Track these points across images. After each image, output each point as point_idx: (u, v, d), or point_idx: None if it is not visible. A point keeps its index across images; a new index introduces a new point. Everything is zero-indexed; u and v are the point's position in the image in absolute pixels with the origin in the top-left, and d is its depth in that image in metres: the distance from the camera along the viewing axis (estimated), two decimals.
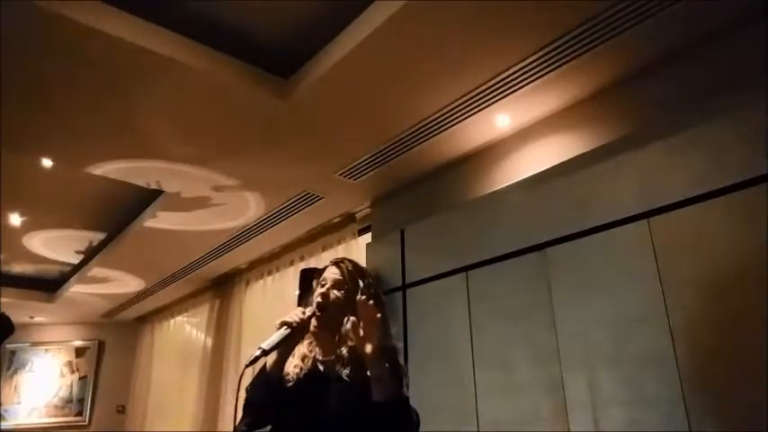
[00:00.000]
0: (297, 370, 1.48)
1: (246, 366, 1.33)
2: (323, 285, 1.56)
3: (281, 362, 1.47)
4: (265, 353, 1.36)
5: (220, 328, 5.65)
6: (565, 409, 2.19)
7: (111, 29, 2.21)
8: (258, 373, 1.49)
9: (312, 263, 4.40)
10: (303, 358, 1.51)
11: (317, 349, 1.53)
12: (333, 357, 1.48)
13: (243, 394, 1.47)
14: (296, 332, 1.44)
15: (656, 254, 2.05)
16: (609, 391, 2.09)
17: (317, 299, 1.52)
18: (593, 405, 2.12)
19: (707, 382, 1.84)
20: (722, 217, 1.91)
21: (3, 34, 2.17)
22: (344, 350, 1.46)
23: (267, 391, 1.44)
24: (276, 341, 1.39)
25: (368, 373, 1.34)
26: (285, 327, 1.42)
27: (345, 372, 1.42)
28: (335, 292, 1.53)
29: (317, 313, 1.48)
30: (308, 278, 1.70)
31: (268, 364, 1.47)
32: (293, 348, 1.50)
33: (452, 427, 2.55)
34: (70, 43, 2.26)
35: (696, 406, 1.84)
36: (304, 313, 1.47)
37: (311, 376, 1.47)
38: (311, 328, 1.50)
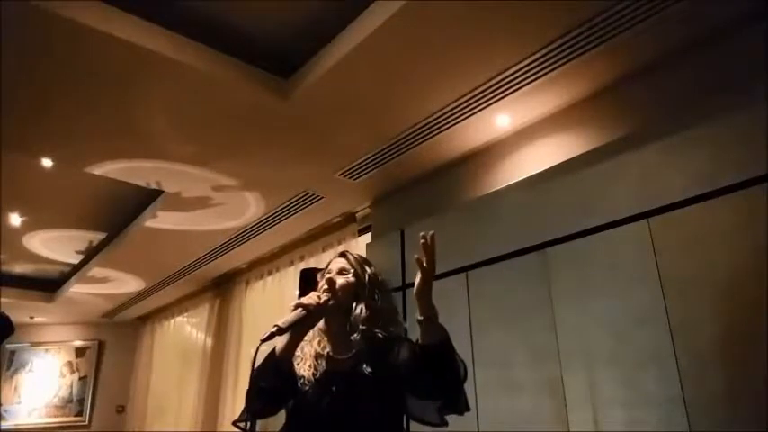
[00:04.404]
0: (311, 371, 1.41)
1: (262, 342, 1.28)
2: (328, 274, 1.50)
3: (291, 347, 1.39)
4: (281, 330, 1.30)
5: (220, 328, 5.65)
6: (565, 409, 2.19)
7: (111, 29, 2.21)
8: (265, 359, 1.39)
9: (312, 263, 4.40)
10: (317, 357, 1.44)
11: (329, 346, 1.46)
12: (350, 355, 1.41)
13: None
14: (310, 316, 1.36)
15: (656, 254, 2.05)
16: (609, 391, 2.09)
17: (323, 286, 1.44)
18: (593, 405, 2.12)
19: (707, 382, 1.84)
20: (722, 217, 1.91)
21: (3, 34, 2.17)
22: (363, 343, 1.40)
23: (277, 377, 1.35)
24: (292, 321, 1.33)
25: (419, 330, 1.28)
26: (301, 309, 1.35)
27: (368, 369, 1.36)
28: (343, 277, 1.48)
29: (329, 297, 1.41)
30: (308, 278, 1.67)
31: (277, 349, 1.38)
32: (305, 334, 1.41)
33: (452, 426, 2.53)
34: (70, 43, 2.26)
35: (696, 406, 1.84)
36: (320, 297, 1.40)
37: (329, 376, 1.40)
38: (320, 325, 1.45)
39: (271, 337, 1.29)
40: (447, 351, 1.30)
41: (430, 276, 1.29)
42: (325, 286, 1.44)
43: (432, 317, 1.30)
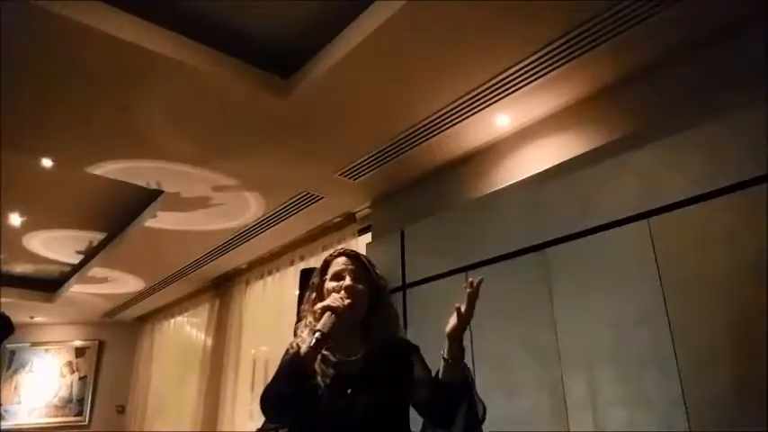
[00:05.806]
0: (319, 377, 1.34)
1: (311, 352, 1.26)
2: (339, 278, 1.45)
3: (316, 352, 1.32)
4: (325, 336, 1.27)
5: (220, 328, 5.65)
6: (565, 409, 2.19)
7: (111, 29, 2.21)
8: (290, 360, 1.34)
9: (312, 263, 4.40)
10: (324, 362, 1.38)
11: (337, 350, 1.41)
12: (360, 355, 1.39)
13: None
14: (339, 319, 1.32)
15: (656, 254, 2.05)
16: (609, 391, 2.09)
17: (343, 293, 1.39)
18: (593, 405, 2.12)
19: (707, 382, 1.84)
20: (722, 217, 1.91)
21: (3, 34, 2.17)
22: (378, 347, 1.39)
23: (297, 379, 1.28)
24: (330, 326, 1.29)
25: (444, 353, 1.28)
26: (330, 312, 1.31)
27: (380, 369, 1.34)
28: (360, 284, 1.44)
29: (350, 305, 1.37)
30: (308, 278, 1.64)
31: (302, 351, 1.31)
32: (333, 336, 1.36)
33: None
34: (70, 43, 2.26)
35: (696, 406, 1.84)
36: (342, 299, 1.36)
37: (341, 380, 1.35)
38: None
39: (318, 344, 1.27)
40: (467, 392, 1.30)
41: (468, 322, 1.29)
42: (345, 294, 1.40)
43: (458, 357, 1.29)
